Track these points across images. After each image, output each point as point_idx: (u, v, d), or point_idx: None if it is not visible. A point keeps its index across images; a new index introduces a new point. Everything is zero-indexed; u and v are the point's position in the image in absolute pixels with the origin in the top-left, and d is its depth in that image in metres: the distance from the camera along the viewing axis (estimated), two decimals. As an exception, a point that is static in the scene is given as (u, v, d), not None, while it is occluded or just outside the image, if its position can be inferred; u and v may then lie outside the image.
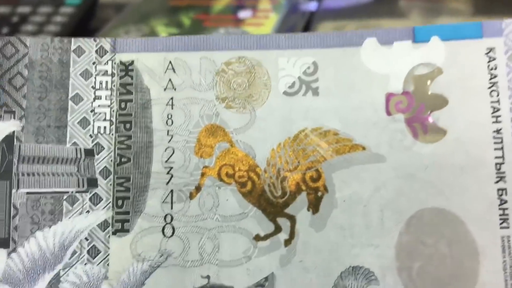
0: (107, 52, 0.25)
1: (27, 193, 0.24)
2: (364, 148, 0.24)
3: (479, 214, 0.23)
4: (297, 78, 0.25)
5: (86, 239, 0.24)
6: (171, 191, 0.24)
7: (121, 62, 0.25)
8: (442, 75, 0.24)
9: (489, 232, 0.23)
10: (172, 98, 0.25)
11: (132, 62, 0.25)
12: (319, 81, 0.25)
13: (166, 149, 0.24)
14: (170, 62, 0.25)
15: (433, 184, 0.24)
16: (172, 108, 0.25)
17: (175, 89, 0.25)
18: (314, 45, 0.25)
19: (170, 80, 0.25)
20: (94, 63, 0.25)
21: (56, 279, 0.23)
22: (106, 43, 0.25)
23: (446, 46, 0.25)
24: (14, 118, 0.24)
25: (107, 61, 0.25)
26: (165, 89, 0.25)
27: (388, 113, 0.24)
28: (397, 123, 0.24)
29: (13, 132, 0.24)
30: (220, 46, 0.25)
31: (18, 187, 0.24)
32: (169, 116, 0.25)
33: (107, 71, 0.25)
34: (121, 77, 0.25)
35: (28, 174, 0.24)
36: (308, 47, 0.25)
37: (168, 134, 0.25)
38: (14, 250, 0.23)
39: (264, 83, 0.25)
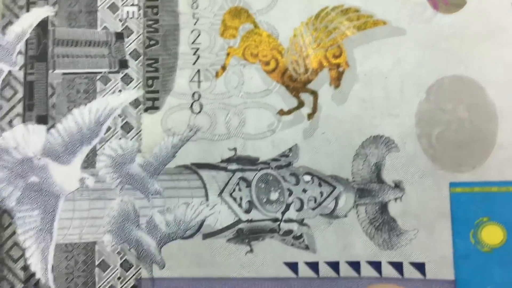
0: None
1: (63, 73, 0.25)
2: (385, 23, 0.25)
3: (498, 78, 0.24)
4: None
5: (120, 116, 0.25)
6: (198, 70, 0.25)
7: (146, -51, 0.26)
8: None
9: (508, 94, 0.24)
10: (196, -18, 0.26)
11: (157, -51, 0.26)
12: (339, -41, 0.25)
13: (192, 31, 0.25)
14: None
15: (453, 53, 0.24)
16: (197, -8, 0.26)
17: (199, -27, 0.26)
18: None
19: (194, -35, 0.26)
20: (120, -49, 0.26)
21: (93, 152, 0.25)
22: None
23: None
24: (48, 3, 0.25)
25: (133, -51, 0.26)
26: (189, -26, 0.26)
27: (408, -12, 0.25)
28: (417, -3, 0.25)
29: (47, 17, 0.25)
30: None
31: (54, 68, 0.25)
32: (194, 0, 0.26)
33: (133, -42, 0.26)
34: (146, -36, 0.26)
35: (63, 56, 0.25)
36: None
37: (193, 17, 0.25)
38: (53, 126, 0.25)
39: (285, -36, 0.25)
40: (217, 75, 0.25)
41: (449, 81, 0.24)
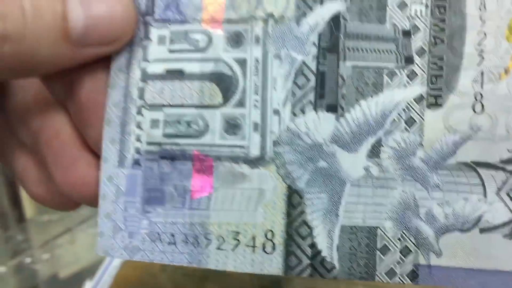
0: None
1: (353, 66, 0.27)
2: None
3: None
4: None
5: (404, 110, 0.26)
6: (482, 72, 0.26)
7: None
8: None
9: None
10: (486, -16, 0.26)
11: (448, -52, 0.27)
12: None
13: (478, 33, 0.26)
14: (486, -51, 0.26)
15: None
16: (486, -6, 0.26)
17: (489, -24, 0.26)
18: None
19: (485, -34, 0.26)
20: (411, -51, 0.27)
21: (378, 143, 0.26)
22: None
23: None
24: (340, -2, 0.27)
25: None
26: (479, -25, 0.26)
27: None
28: None
29: (339, 11, 0.27)
30: None
31: (344, 60, 0.27)
32: (482, 2, 0.26)
33: (423, -44, 0.27)
34: (436, -37, 0.27)
35: (353, 50, 0.27)
36: None
37: (480, 19, 0.26)
38: (341, 115, 0.26)
39: None
40: (500, 77, 0.26)
41: None
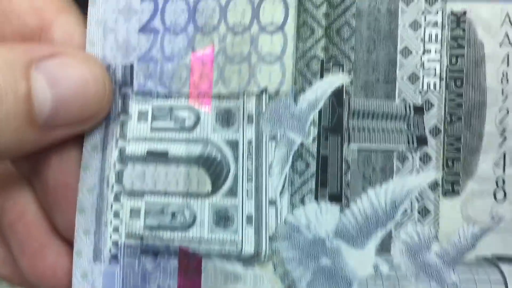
0: (437, 0, 0.23)
1: (358, 149, 0.24)
2: None
3: None
4: None
5: (416, 198, 0.23)
6: (504, 153, 0.23)
7: (452, 13, 0.23)
8: None
9: None
10: (508, 55, 0.23)
11: (464, 13, 0.23)
12: None
13: (500, 110, 0.23)
14: (508, 14, 0.23)
15: None
16: (507, 66, 0.23)
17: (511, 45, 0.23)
18: None
19: (506, 34, 0.23)
20: (423, 12, 0.24)
21: (388, 236, 0.23)
22: (436, -9, 0.24)
23: None
24: (343, 71, 0.24)
25: (437, 11, 0.23)
26: (500, 45, 0.23)
27: None
28: None
29: (342, 85, 0.24)
30: None
31: (349, 142, 0.24)
32: (504, 74, 0.23)
33: (436, 22, 0.23)
34: (452, 29, 0.23)
35: (359, 130, 0.24)
36: None
37: (502, 93, 0.23)
38: (347, 205, 0.23)
39: None
40: (526, 160, 0.23)
41: None
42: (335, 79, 0.24)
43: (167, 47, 0.24)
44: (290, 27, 0.24)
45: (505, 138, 0.23)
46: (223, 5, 0.24)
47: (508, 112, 0.23)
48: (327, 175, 0.23)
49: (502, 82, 0.23)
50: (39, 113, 0.22)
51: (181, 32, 0.24)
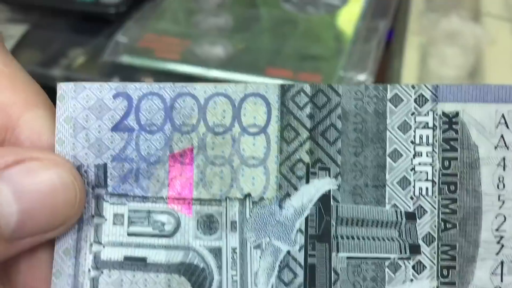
0: (428, 101, 0.22)
1: (348, 257, 0.22)
2: None
3: None
4: None
5: (411, 310, 0.22)
6: (502, 262, 0.22)
7: (443, 114, 0.22)
8: None
9: None
10: (504, 158, 0.22)
11: (456, 114, 0.22)
12: None
13: (496, 216, 0.22)
14: (503, 116, 0.22)
15: None
16: (504, 170, 0.22)
17: (508, 148, 0.22)
18: None
19: (502, 136, 0.22)
20: (413, 113, 0.22)
21: None
22: (426, 90, 0.22)
23: None
24: (330, 175, 0.23)
25: (428, 112, 0.22)
26: (496, 147, 0.22)
27: None
28: None
29: (329, 191, 0.23)
30: None
31: (338, 251, 0.22)
32: (500, 179, 0.22)
33: (427, 123, 0.22)
34: (444, 131, 0.22)
35: (347, 237, 0.22)
36: None
37: (499, 199, 0.22)
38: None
39: None
40: (524, 269, 0.22)
41: None
42: (322, 184, 0.22)
43: (143, 147, 0.23)
44: (274, 129, 0.23)
45: (502, 246, 0.22)
46: (202, 104, 0.23)
47: (505, 218, 0.22)
48: (315, 285, 0.22)
49: (498, 187, 0.22)
50: (4, 226, 0.21)
51: (157, 131, 0.23)
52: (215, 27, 0.42)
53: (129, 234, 0.23)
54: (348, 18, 0.42)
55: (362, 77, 0.36)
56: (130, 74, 0.38)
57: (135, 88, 0.23)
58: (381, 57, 0.39)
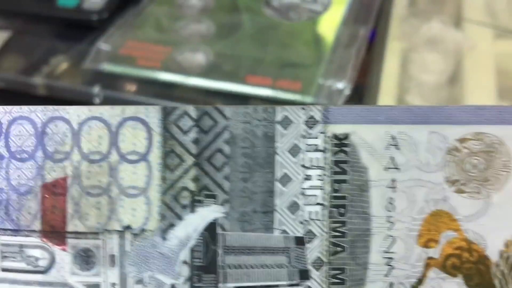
0: (318, 122, 0.21)
1: (235, 287, 0.21)
2: None
3: None
4: (544, 160, 0.21)
5: (300, 337, 0.22)
6: (391, 284, 0.22)
7: (334, 136, 0.21)
8: None
9: None
10: (394, 180, 0.21)
11: (346, 136, 0.21)
12: None
13: (385, 238, 0.22)
14: (393, 137, 0.21)
15: None
16: (394, 191, 0.21)
17: (398, 169, 0.21)
18: None
19: (392, 158, 0.21)
20: (303, 136, 0.21)
21: None
22: (316, 111, 0.21)
23: None
24: (217, 203, 0.21)
25: (318, 134, 0.21)
26: (386, 169, 0.21)
27: None
28: None
29: (216, 219, 0.21)
30: (454, 119, 0.21)
31: (225, 281, 0.21)
32: (390, 201, 0.21)
33: (317, 146, 0.21)
34: (334, 153, 0.21)
35: (235, 267, 0.21)
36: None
37: (388, 221, 0.22)
38: None
39: (504, 165, 0.21)
40: (412, 289, 0.22)
41: None
42: (208, 213, 0.21)
43: (13, 176, 0.21)
44: (155, 156, 0.21)
45: (391, 268, 0.22)
46: (76, 129, 0.21)
47: (394, 240, 0.22)
48: (202, 319, 0.21)
49: (387, 209, 0.22)
50: None
51: (28, 159, 0.21)
52: (197, 34, 0.40)
53: (3, 270, 0.21)
54: (329, 24, 0.40)
55: (340, 85, 0.34)
56: (112, 82, 0.36)
57: (4, 112, 0.21)
58: (363, 63, 0.38)
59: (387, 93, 0.36)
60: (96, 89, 0.36)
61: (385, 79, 0.38)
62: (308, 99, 0.34)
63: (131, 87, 0.37)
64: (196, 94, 0.36)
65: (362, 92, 0.37)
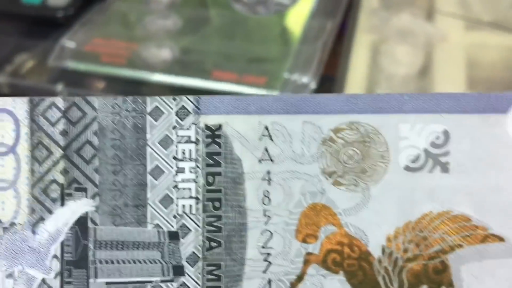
0: (190, 113, 0.21)
1: (107, 283, 0.21)
2: (502, 240, 0.20)
3: None
4: (423, 150, 0.20)
5: (174, 334, 0.21)
6: (269, 280, 0.21)
7: (206, 127, 0.21)
8: None
9: None
10: (269, 172, 0.21)
11: (220, 127, 0.21)
12: (450, 154, 0.20)
13: (262, 233, 0.21)
14: (267, 128, 0.21)
15: None
16: (269, 184, 0.21)
17: (272, 161, 0.21)
18: (446, 109, 0.20)
19: (266, 149, 0.21)
20: (174, 127, 0.21)
21: None
22: (188, 102, 0.21)
23: None
24: (87, 196, 0.21)
25: (190, 125, 0.21)
26: (260, 161, 0.21)
27: (536, 198, 0.20)
28: (547, 211, 0.20)
29: (86, 213, 0.21)
30: (327, 108, 0.20)
31: (96, 277, 0.21)
32: (266, 193, 0.21)
33: (190, 137, 0.21)
34: (207, 145, 0.21)
35: (107, 262, 0.21)
36: (438, 111, 0.20)
37: (264, 214, 0.21)
38: None
39: (381, 155, 0.20)
40: (292, 286, 0.21)
41: None
42: (78, 206, 0.21)
43: None
44: (23, 148, 0.21)
45: (269, 264, 0.21)
46: None
47: (272, 235, 0.21)
48: (72, 314, 0.21)
49: (263, 202, 0.21)
50: None
51: None
52: (164, 29, 0.40)
53: None
54: (297, 18, 0.40)
55: (305, 79, 0.34)
56: (77, 79, 0.37)
57: None
58: (334, 55, 0.37)
59: (355, 85, 0.36)
60: (59, 87, 0.36)
61: (353, 71, 0.37)
62: (273, 94, 0.34)
63: (97, 85, 0.37)
64: (163, 90, 0.36)
65: (331, 85, 0.36)
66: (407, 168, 0.20)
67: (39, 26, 0.42)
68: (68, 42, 0.39)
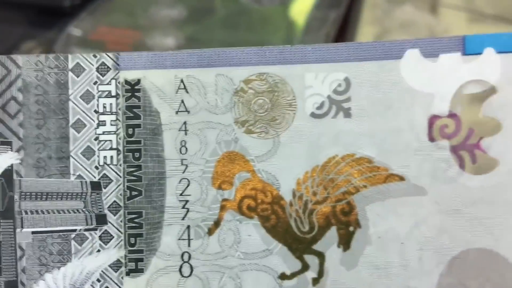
0: (110, 69, 0.22)
1: (33, 232, 0.22)
2: (402, 179, 0.22)
3: (533, 260, 0.21)
4: (327, 97, 0.22)
5: (98, 280, 0.22)
6: (188, 227, 0.22)
7: (126, 81, 0.22)
8: (497, 94, 0.21)
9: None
10: (185, 123, 0.22)
11: (138, 81, 0.22)
12: (351, 100, 0.22)
13: (180, 181, 0.22)
14: (182, 81, 0.22)
15: (480, 222, 0.21)
16: (186, 134, 0.22)
17: (188, 112, 0.22)
18: (346, 58, 0.22)
19: (182, 101, 0.22)
20: (95, 82, 0.22)
21: (69, 324, 0.22)
22: (108, 58, 0.22)
23: (503, 60, 0.21)
24: (12, 149, 0.22)
25: (110, 80, 0.22)
26: (177, 112, 0.22)
27: (431, 138, 0.21)
28: (441, 150, 0.21)
29: (11, 165, 0.22)
30: (238, 61, 0.22)
31: (22, 227, 0.22)
32: (183, 143, 0.22)
33: (110, 91, 0.22)
34: (126, 99, 0.22)
35: (32, 212, 0.22)
36: (339, 61, 0.22)
37: (182, 163, 0.22)
38: (23, 294, 0.22)
39: (289, 104, 0.22)
40: (209, 232, 0.22)
41: (475, 255, 0.21)
42: (4, 159, 0.22)
43: None
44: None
45: (187, 210, 0.22)
46: None
47: (189, 183, 0.22)
48: (0, 262, 0.22)
49: (181, 151, 0.22)
50: None
51: None
52: (168, 18, 0.41)
53: None
54: (301, 9, 0.41)
55: None
56: None
57: None
58: None
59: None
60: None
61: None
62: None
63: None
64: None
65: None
66: (313, 115, 0.22)
67: (46, 15, 0.42)
68: (74, 30, 0.39)
